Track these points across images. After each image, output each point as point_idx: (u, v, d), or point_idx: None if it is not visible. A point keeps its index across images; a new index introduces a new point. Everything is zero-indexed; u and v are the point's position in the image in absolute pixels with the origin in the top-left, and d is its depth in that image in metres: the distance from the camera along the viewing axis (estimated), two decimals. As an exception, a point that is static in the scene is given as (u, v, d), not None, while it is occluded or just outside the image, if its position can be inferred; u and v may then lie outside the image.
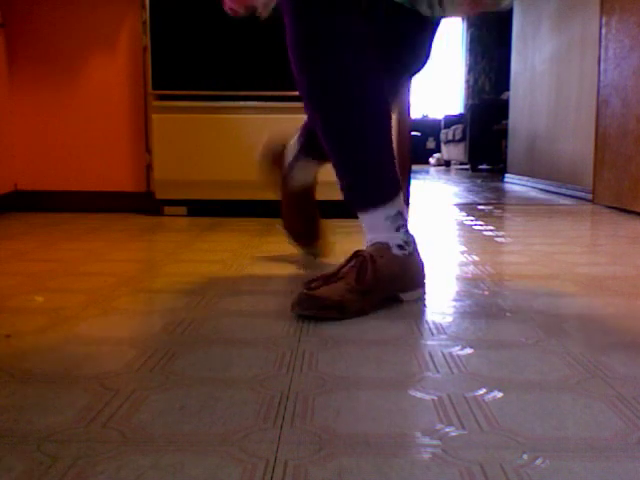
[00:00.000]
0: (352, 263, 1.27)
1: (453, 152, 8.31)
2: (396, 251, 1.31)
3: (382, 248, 1.30)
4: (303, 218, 1.77)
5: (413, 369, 0.93)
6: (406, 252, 1.32)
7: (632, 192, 3.05)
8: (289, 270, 1.66)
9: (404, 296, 1.34)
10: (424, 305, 1.31)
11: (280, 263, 1.76)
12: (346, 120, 1.32)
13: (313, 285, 1.24)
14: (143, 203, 2.90)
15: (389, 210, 1.32)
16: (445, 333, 1.11)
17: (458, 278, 1.56)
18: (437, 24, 1.46)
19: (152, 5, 2.65)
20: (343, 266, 1.27)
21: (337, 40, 1.29)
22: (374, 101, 1.32)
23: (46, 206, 2.90)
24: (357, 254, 1.28)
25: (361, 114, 1.31)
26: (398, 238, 1.32)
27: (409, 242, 1.33)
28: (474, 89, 9.74)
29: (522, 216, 2.98)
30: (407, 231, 1.34)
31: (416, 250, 1.37)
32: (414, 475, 0.63)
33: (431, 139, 10.05)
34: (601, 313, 1.25)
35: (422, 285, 1.38)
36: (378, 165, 1.34)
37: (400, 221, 1.33)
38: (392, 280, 1.30)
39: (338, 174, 1.36)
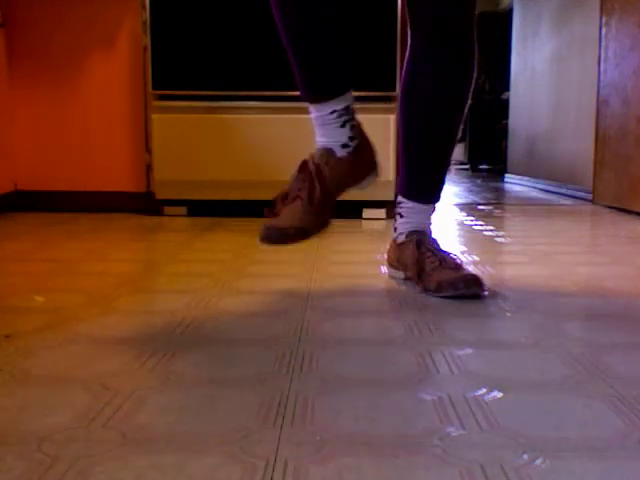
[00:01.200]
0: (301, 177, 1.35)
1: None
2: (340, 153, 1.38)
3: (327, 154, 1.37)
4: None
5: (413, 369, 0.93)
6: (351, 148, 1.39)
7: (632, 192, 3.05)
8: (289, 270, 1.65)
9: (359, 186, 1.45)
10: (424, 305, 1.31)
11: (280, 263, 1.76)
12: (296, 21, 1.34)
13: (275, 211, 1.33)
14: (143, 203, 2.89)
15: (337, 104, 1.37)
16: (445, 333, 1.11)
17: (458, 278, 1.56)
18: None
19: (152, 5, 2.65)
20: (294, 182, 1.36)
21: None
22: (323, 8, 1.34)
23: (46, 206, 2.90)
24: (304, 166, 1.36)
25: (308, 19, 1.34)
26: (344, 134, 1.38)
27: (355, 137, 1.40)
28: (474, 89, 9.74)
29: (522, 216, 2.98)
30: (354, 125, 1.40)
31: (363, 137, 1.43)
32: (414, 475, 0.63)
33: (431, 139, 10.03)
34: (601, 313, 1.25)
35: (374, 168, 1.47)
36: (332, 58, 1.39)
37: (347, 116, 1.38)
38: (341, 181, 1.39)
39: (294, 64, 1.40)
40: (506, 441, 0.70)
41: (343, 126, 1.38)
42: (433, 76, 1.44)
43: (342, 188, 1.41)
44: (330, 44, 1.39)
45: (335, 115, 1.38)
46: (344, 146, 1.39)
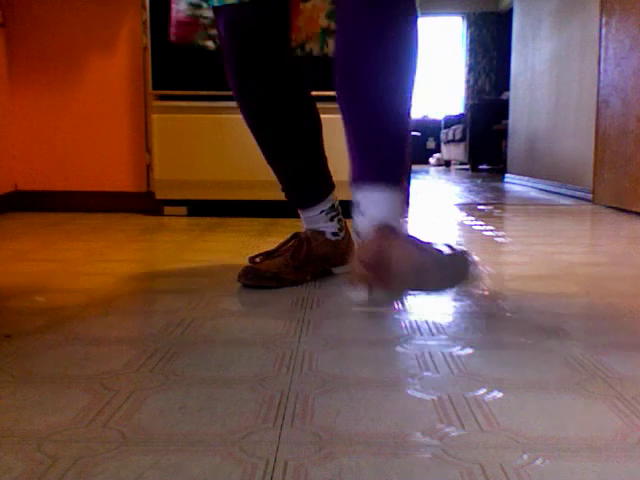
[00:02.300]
0: (291, 243, 1.47)
1: (453, 152, 8.31)
2: (330, 237, 1.52)
3: (318, 234, 1.50)
4: None
5: (413, 369, 0.93)
6: (339, 237, 1.53)
7: (632, 192, 3.05)
8: (289, 270, 1.65)
9: (335, 270, 1.56)
10: (424, 305, 1.31)
11: (280, 263, 1.75)
12: (274, 134, 1.47)
13: (257, 259, 1.45)
14: (143, 203, 2.90)
15: (324, 206, 1.51)
16: (445, 333, 1.11)
17: (458, 278, 1.56)
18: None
19: (152, 5, 2.65)
20: (283, 245, 1.47)
21: (267, 68, 1.42)
22: (299, 114, 1.46)
23: (46, 206, 2.90)
24: (296, 235, 1.48)
25: (288, 128, 1.46)
26: (333, 227, 1.52)
27: (342, 228, 1.54)
28: (474, 89, 9.74)
29: (522, 216, 2.98)
30: (340, 219, 1.54)
31: (348, 233, 1.56)
32: (414, 475, 0.63)
33: (431, 139, 10.06)
34: (601, 313, 1.25)
35: (349, 263, 1.55)
36: (310, 171, 1.50)
37: (334, 212, 1.53)
38: (324, 258, 1.51)
39: (277, 177, 1.53)
40: (506, 441, 0.70)
41: (331, 220, 1.52)
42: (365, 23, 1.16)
43: (322, 263, 1.51)
44: (305, 159, 1.49)
45: (323, 214, 1.51)
46: (334, 234, 1.52)
